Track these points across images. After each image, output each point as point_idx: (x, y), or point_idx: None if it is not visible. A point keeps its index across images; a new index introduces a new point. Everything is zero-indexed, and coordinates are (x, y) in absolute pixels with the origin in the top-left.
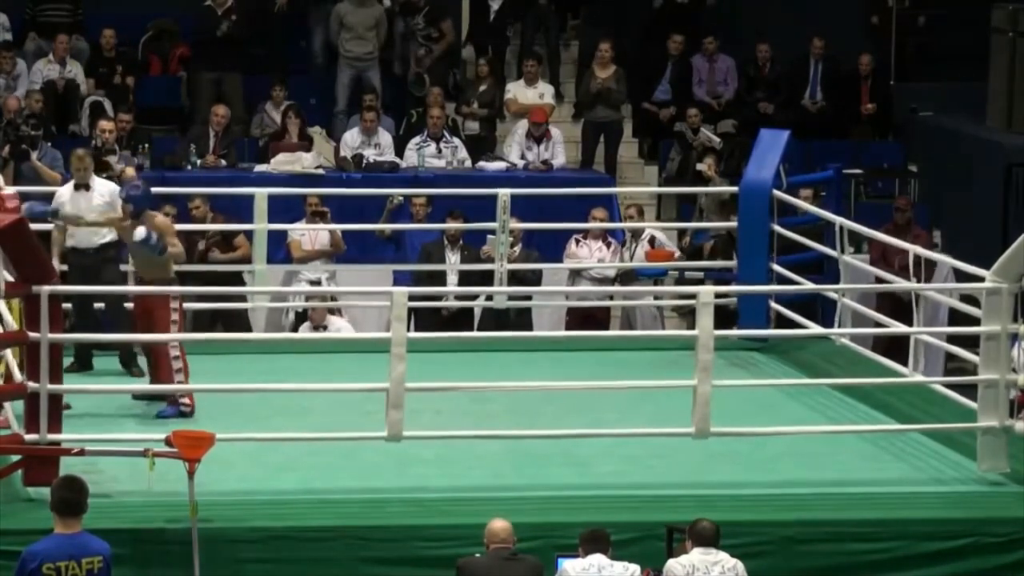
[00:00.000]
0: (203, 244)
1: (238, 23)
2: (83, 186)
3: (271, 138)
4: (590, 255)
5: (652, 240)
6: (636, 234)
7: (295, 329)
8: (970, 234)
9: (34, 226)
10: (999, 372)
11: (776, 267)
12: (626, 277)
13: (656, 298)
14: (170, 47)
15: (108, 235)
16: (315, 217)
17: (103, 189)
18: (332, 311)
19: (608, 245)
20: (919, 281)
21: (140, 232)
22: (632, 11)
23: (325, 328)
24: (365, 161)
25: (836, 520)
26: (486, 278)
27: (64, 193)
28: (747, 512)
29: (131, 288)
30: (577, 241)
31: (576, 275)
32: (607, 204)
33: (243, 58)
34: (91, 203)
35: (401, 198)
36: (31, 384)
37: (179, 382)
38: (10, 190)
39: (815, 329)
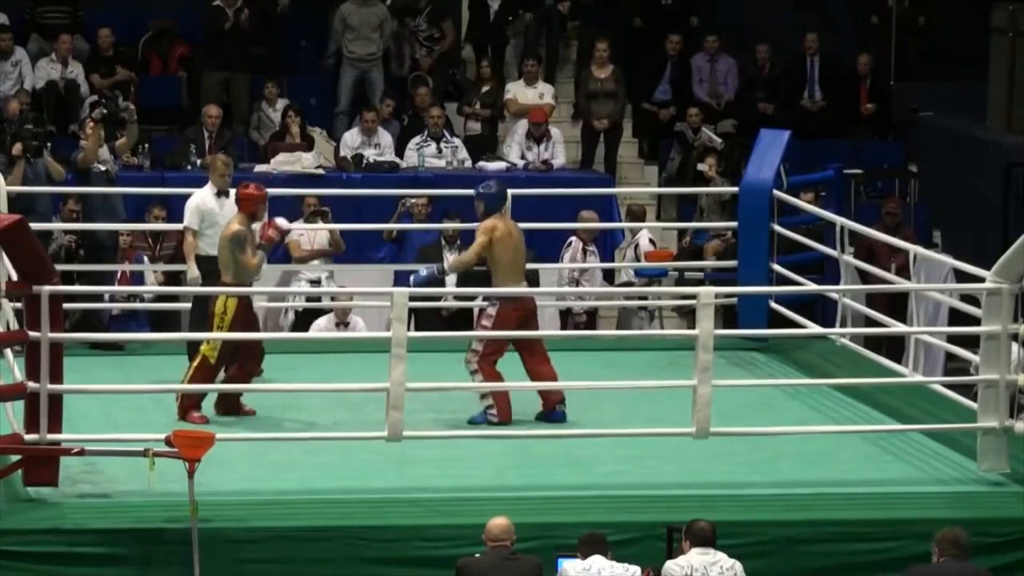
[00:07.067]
0: None
1: (249, 19)
2: (224, 193)
3: (271, 138)
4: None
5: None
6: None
7: (301, 325)
8: (970, 234)
9: (34, 226)
10: (999, 372)
11: (776, 267)
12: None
13: (652, 298)
14: (170, 47)
15: None
16: (315, 216)
17: (231, 198)
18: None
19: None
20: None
21: (418, 279)
22: (629, 11)
23: (347, 325)
24: (365, 161)
25: (836, 520)
26: (486, 278)
27: (208, 200)
28: (747, 512)
29: (144, 288)
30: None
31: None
32: (607, 205)
33: (250, 58)
34: (232, 210)
35: (414, 200)
36: (31, 384)
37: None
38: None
39: (815, 329)
